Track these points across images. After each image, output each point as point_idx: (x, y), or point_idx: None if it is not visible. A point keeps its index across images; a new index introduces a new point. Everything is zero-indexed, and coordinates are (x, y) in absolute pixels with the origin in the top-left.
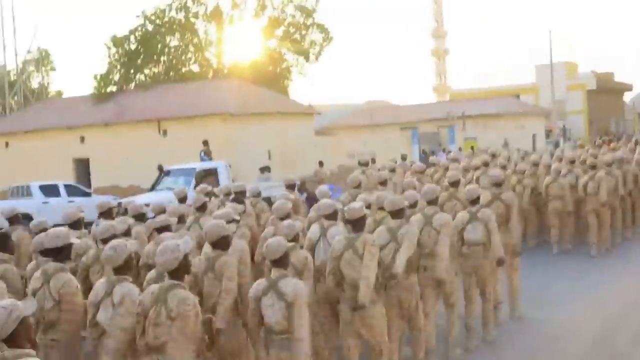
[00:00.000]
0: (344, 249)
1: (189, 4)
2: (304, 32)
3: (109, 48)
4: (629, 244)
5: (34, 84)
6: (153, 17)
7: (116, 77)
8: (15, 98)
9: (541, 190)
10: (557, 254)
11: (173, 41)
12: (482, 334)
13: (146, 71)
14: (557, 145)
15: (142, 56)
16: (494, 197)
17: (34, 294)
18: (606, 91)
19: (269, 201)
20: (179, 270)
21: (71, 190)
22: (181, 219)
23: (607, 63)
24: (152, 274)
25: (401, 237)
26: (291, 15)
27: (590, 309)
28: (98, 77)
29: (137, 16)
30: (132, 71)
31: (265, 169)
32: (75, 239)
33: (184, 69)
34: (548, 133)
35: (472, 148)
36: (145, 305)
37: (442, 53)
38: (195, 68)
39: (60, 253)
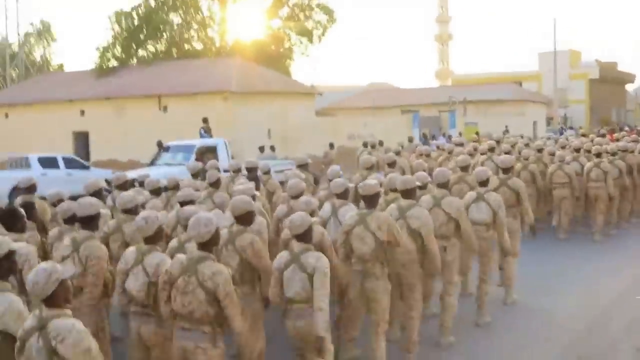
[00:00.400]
0: (355, 223)
1: None
2: (308, 12)
3: (112, 22)
4: (626, 232)
5: (36, 56)
6: None
7: (118, 51)
8: (16, 70)
9: (545, 177)
10: (556, 239)
11: (176, 18)
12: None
13: (149, 47)
14: (561, 132)
15: (144, 32)
16: (501, 183)
17: (62, 260)
18: (609, 81)
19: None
20: (210, 243)
21: (70, 163)
22: None
23: (611, 51)
24: (173, 242)
25: (410, 216)
26: None
27: (586, 296)
28: (100, 50)
29: None
30: (134, 46)
31: (270, 148)
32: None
33: (186, 46)
34: (549, 121)
35: (476, 133)
36: (173, 274)
37: (446, 38)
38: (197, 46)
39: (91, 221)
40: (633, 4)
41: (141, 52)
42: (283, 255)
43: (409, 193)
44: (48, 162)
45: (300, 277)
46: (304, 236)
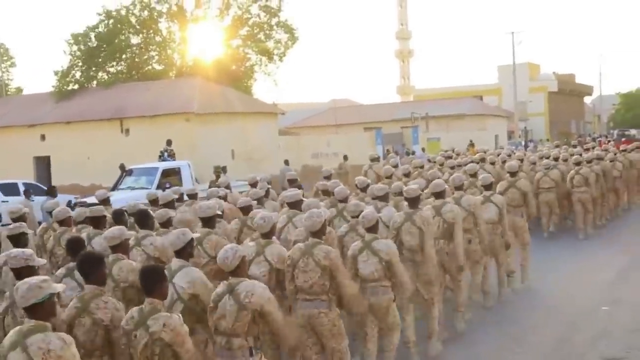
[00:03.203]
0: (404, 220)
1: (152, 2)
2: (268, 31)
3: (70, 44)
4: (606, 232)
5: None
6: (115, 15)
7: (77, 74)
8: None
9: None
10: (547, 238)
11: (135, 39)
12: (496, 295)
13: (108, 69)
14: (526, 146)
15: (103, 53)
16: (509, 185)
17: None
18: (567, 93)
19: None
20: (320, 231)
21: (31, 189)
22: None
23: (569, 63)
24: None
25: (444, 213)
26: (256, 15)
27: (555, 307)
28: (59, 74)
29: (99, 14)
30: (93, 69)
31: (222, 169)
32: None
33: (146, 67)
34: (510, 134)
35: (472, 144)
36: (294, 258)
37: (407, 54)
38: (157, 66)
39: (209, 221)
40: (588, 16)
41: (100, 74)
42: (356, 244)
43: (440, 195)
44: (9, 189)
45: (373, 261)
46: (373, 228)
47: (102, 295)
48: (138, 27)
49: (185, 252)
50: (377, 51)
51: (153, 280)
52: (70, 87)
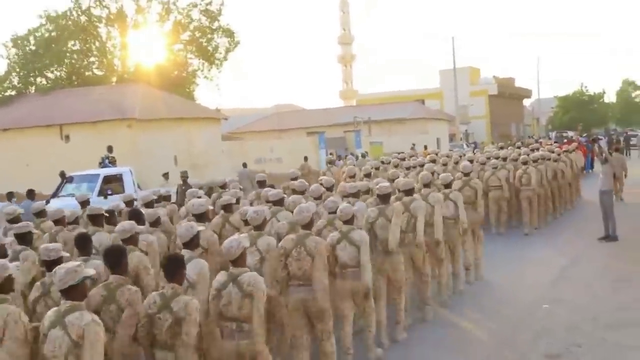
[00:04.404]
0: (377, 216)
1: (91, 7)
2: (209, 36)
3: (7, 49)
4: (552, 228)
5: None
6: (54, 19)
7: (15, 80)
8: None
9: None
10: (495, 234)
11: (75, 45)
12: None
13: (48, 74)
14: (475, 147)
15: (42, 59)
16: (464, 184)
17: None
18: (507, 96)
19: None
20: (310, 224)
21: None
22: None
23: (509, 67)
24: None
25: (413, 209)
26: (197, 19)
27: (499, 305)
28: None
29: (40, 16)
30: (32, 74)
31: (163, 176)
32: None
33: (87, 73)
34: (452, 137)
35: (425, 147)
36: (287, 248)
37: (349, 59)
38: (98, 72)
39: (201, 217)
40: (526, 21)
41: (39, 80)
42: (334, 235)
43: (409, 192)
44: None
45: (351, 249)
46: (349, 221)
47: (126, 284)
48: (77, 32)
49: (192, 243)
50: (320, 56)
51: (176, 266)
52: (7, 93)
